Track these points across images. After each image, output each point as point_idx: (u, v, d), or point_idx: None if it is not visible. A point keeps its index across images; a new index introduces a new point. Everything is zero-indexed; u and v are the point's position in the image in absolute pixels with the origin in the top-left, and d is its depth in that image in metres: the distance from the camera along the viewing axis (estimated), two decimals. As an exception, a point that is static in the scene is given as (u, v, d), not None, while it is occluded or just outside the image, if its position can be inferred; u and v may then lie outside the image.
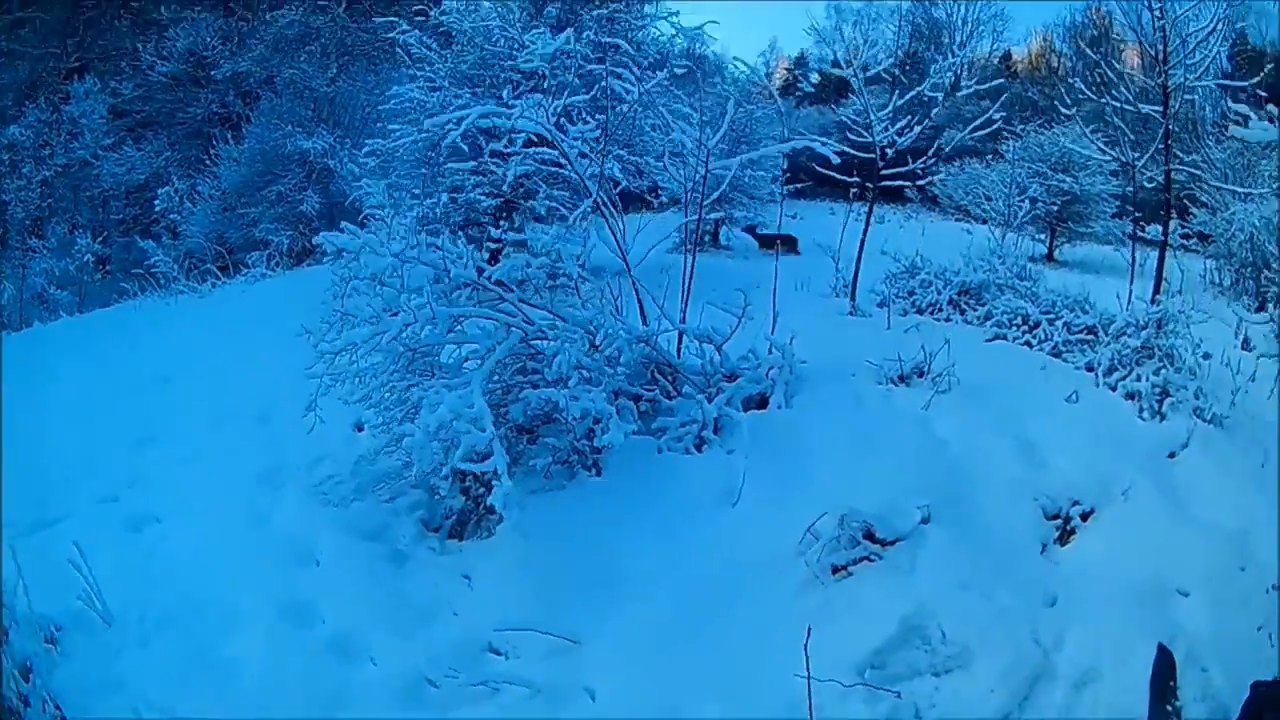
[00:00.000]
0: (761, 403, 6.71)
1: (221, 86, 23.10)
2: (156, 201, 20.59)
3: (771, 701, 4.19)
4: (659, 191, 13.19)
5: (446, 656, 4.88)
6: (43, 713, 4.72)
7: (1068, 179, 18.49)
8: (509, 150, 8.04)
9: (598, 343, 5.97)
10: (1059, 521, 5.49)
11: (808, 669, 3.83)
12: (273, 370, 8.00)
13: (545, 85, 9.98)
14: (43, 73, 25.57)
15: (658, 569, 5.23)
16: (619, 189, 8.22)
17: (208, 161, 20.96)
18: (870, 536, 5.12)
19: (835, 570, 5.00)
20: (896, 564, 5.03)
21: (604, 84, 7.83)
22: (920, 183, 14.33)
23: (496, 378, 5.96)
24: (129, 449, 7.91)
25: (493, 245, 9.57)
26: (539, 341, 5.92)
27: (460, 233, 8.81)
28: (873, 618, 4.61)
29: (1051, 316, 8.26)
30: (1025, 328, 8.35)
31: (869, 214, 10.79)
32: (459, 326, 5.83)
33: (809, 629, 3.93)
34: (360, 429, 6.96)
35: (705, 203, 7.59)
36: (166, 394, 9.32)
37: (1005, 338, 8.39)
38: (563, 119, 7.42)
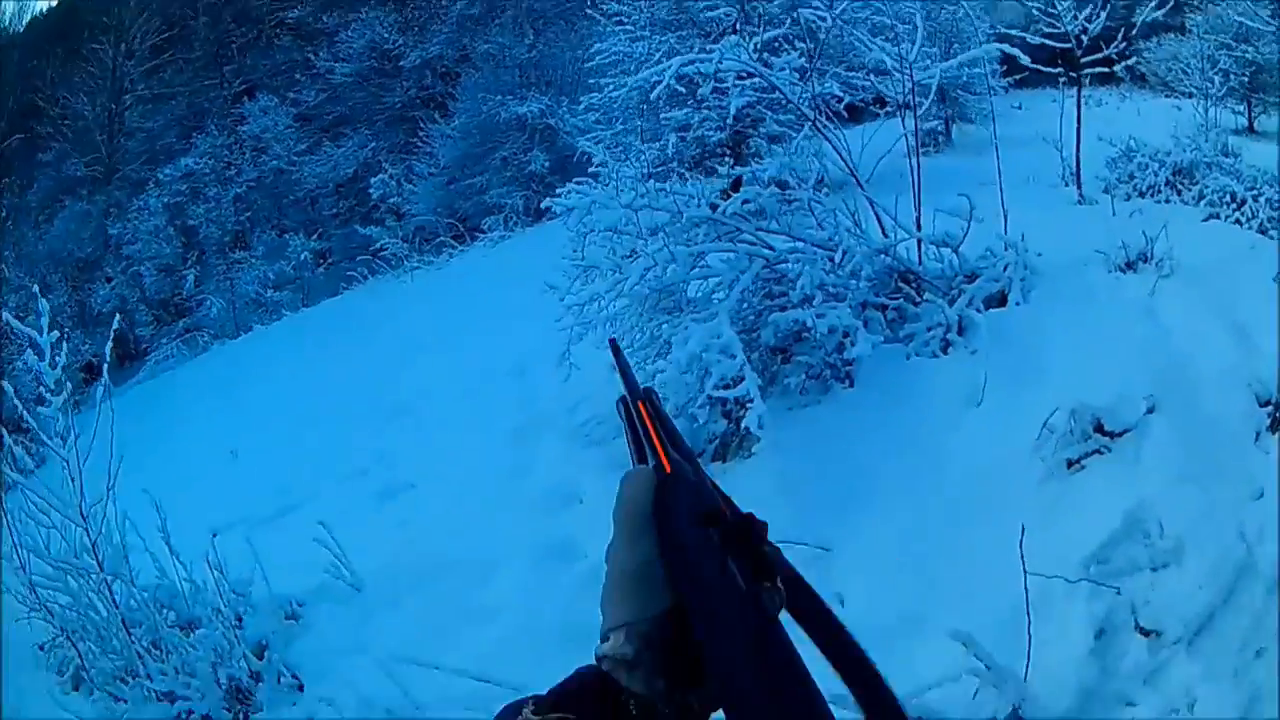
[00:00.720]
0: (1001, 300, 6.74)
1: (414, 73, 24.10)
2: (371, 190, 21.92)
3: (1002, 603, 4.11)
4: (884, 100, 13.29)
5: None
6: (277, 684, 5.18)
7: (1249, 49, 17.73)
8: (723, 86, 8.24)
9: (837, 260, 6.11)
10: (1270, 409, 5.22)
11: (1023, 567, 3.82)
12: (523, 326, 8.44)
13: (740, 26, 10.22)
14: (203, 104, 27.55)
15: (904, 475, 5.30)
16: (844, 104, 8.35)
17: (417, 143, 22.10)
18: (1100, 429, 5.07)
19: (1069, 465, 4.99)
20: (1123, 456, 4.96)
21: (795, 14, 8.01)
22: (1128, 63, 13.98)
23: (745, 305, 6.12)
24: (380, 423, 8.52)
25: (729, 177, 9.86)
26: (781, 266, 6.07)
27: (696, 169, 9.11)
28: (1099, 512, 4.56)
29: (1255, 193, 8.05)
30: (1234, 205, 8.18)
31: (1078, 101, 10.64)
32: (701, 263, 6.01)
33: (1022, 528, 3.92)
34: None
35: (920, 111, 7.62)
36: (416, 365, 9.89)
37: (1219, 216, 8.21)
38: (765, 53, 7.65)
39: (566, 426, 6.96)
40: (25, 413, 5.26)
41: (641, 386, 1.09)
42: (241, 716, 5.13)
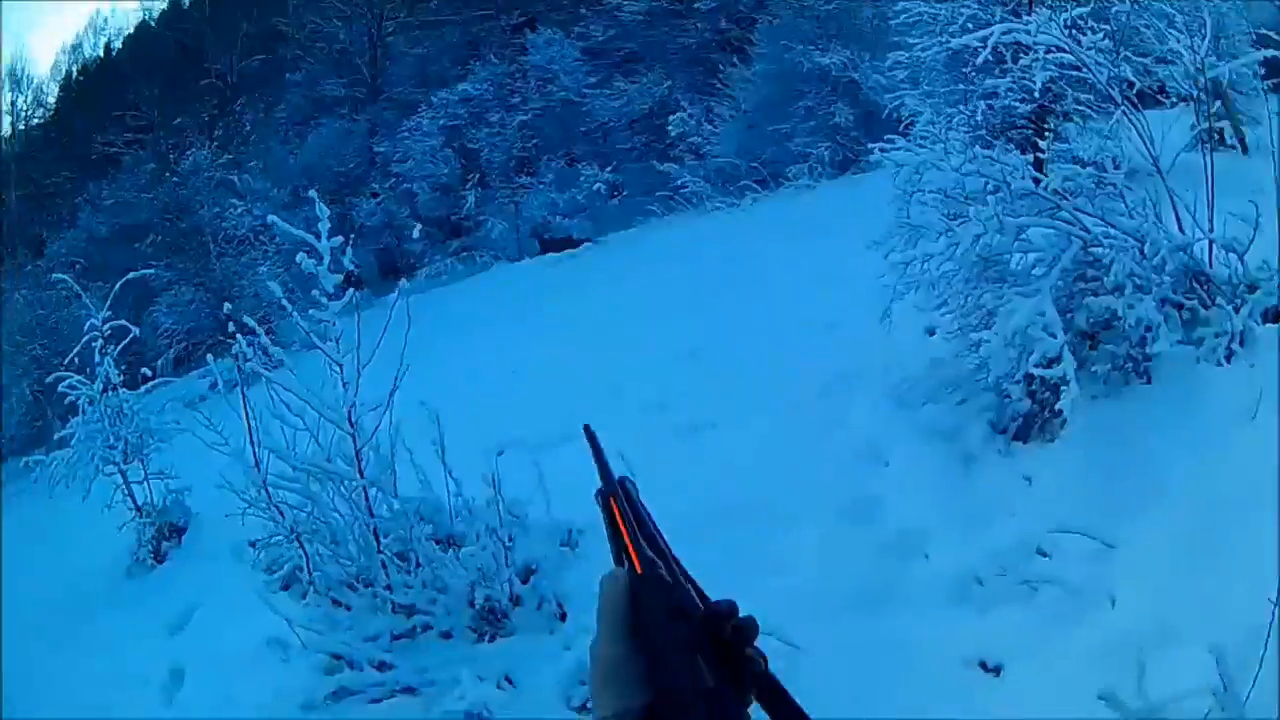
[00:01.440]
0: (1276, 315, 6.44)
1: (709, 16, 24.04)
2: (670, 127, 22.18)
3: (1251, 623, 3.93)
4: (1165, 90, 12.70)
5: (998, 555, 5.06)
6: (537, 610, 5.40)
7: None
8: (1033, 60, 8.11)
9: (1145, 250, 6.00)
10: None
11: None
12: (833, 278, 8.51)
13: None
14: (477, 34, 28.51)
15: (1188, 479, 5.19)
16: (1135, 90, 8.13)
17: (716, 85, 22.21)
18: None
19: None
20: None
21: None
22: None
23: (1061, 284, 6.05)
24: (672, 362, 8.67)
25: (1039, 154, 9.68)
26: (1095, 249, 5.99)
27: (1002, 137, 9.01)
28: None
29: None
30: None
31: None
32: (1023, 235, 5.98)
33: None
34: (932, 334, 7.05)
35: (1209, 108, 7.36)
36: (712, 308, 10.05)
37: None
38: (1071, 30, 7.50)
39: (879, 386, 6.97)
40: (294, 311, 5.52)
41: (618, 477, 1.10)
42: (488, 638, 5.36)
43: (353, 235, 5.52)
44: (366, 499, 5.41)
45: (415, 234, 21.27)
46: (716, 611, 0.90)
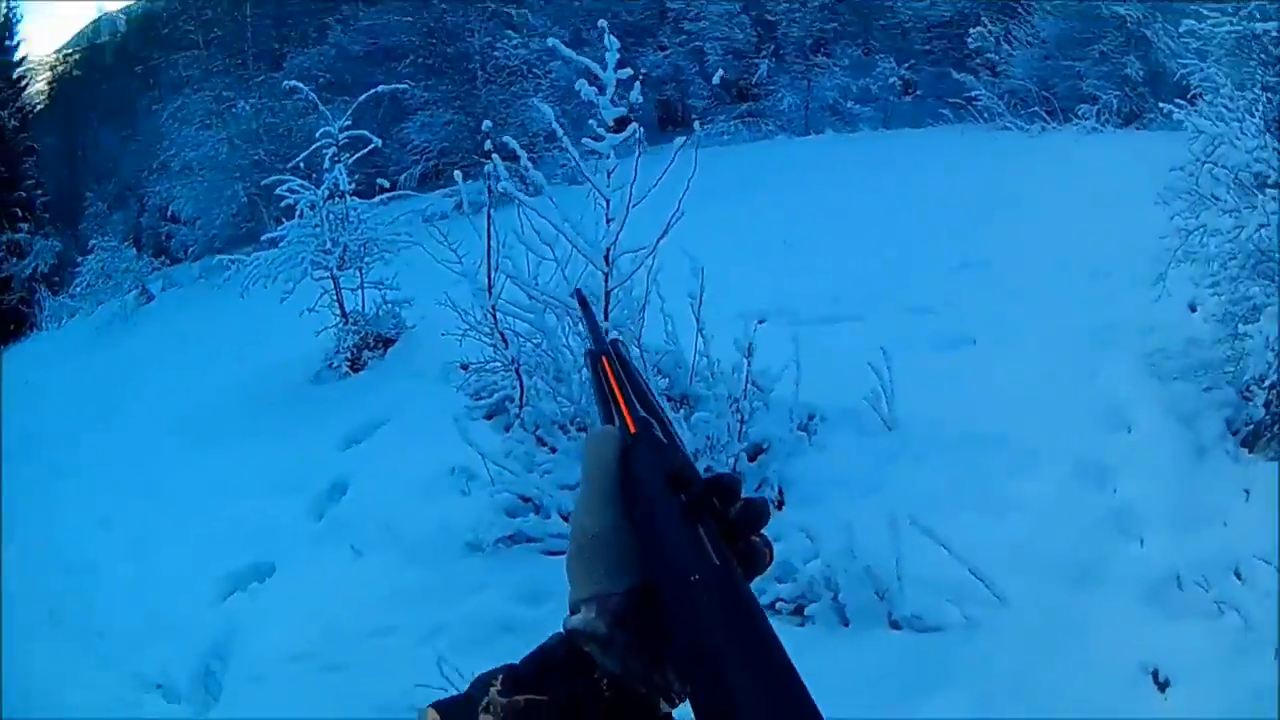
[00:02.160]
0: None
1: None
2: (969, 39, 22.05)
3: None
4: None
5: (1201, 564, 4.76)
6: (755, 491, 5.14)
7: None
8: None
9: None
10: None
11: None
12: (1112, 227, 8.22)
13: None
14: None
15: None
16: None
17: (1018, 9, 21.75)
18: None
19: None
20: None
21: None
22: None
23: None
24: (946, 270, 8.51)
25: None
26: None
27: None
28: None
29: None
30: None
31: None
32: None
33: None
34: (1193, 309, 6.85)
35: None
36: (992, 224, 9.79)
37: None
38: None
39: (1136, 349, 6.69)
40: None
41: (609, 339, 1.04)
42: None
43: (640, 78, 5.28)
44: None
45: (715, 79, 21.29)
46: (721, 482, 0.80)
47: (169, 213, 25.35)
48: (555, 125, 5.27)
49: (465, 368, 7.16)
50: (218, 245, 20.77)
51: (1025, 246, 8.84)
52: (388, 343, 9.75)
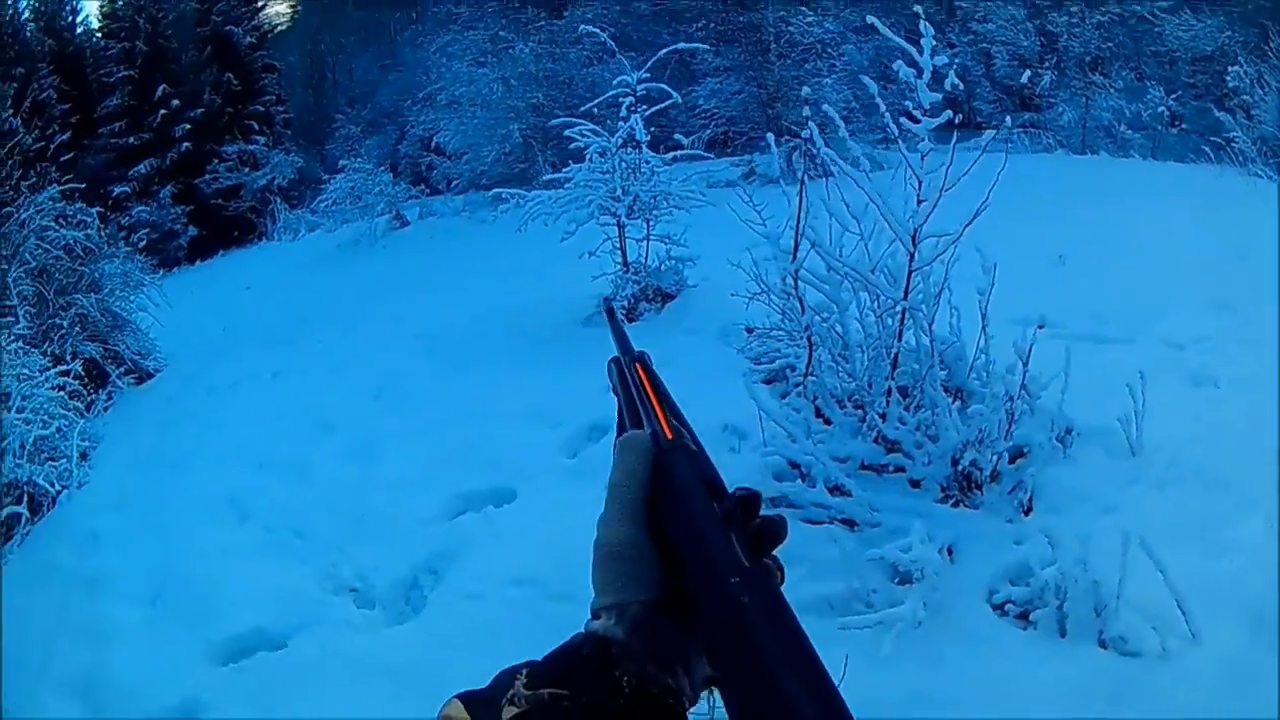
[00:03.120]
0: None
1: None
2: (1228, 77, 21.12)
3: None
4: None
5: None
6: (1009, 495, 5.35)
7: None
8: None
9: None
10: None
11: None
12: None
13: None
14: None
15: None
16: None
17: (1269, 52, 20.83)
18: None
19: None
20: None
21: None
22: None
23: None
24: (1202, 309, 8.44)
25: None
26: None
27: None
28: None
29: None
30: None
31: None
32: None
33: None
34: None
35: None
36: (1239, 270, 9.56)
37: None
38: None
39: None
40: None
41: (636, 350, 1.13)
42: (951, 502, 5.41)
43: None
44: (901, 322, 5.46)
45: (1039, 75, 21.17)
46: (748, 497, 0.84)
47: (432, 144, 26.30)
48: (878, 100, 5.35)
49: (750, 330, 7.44)
50: (484, 181, 21.54)
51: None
52: (666, 297, 10.00)
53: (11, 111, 12.99)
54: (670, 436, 0.94)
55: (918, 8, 5.69)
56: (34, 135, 14.43)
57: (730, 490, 0.86)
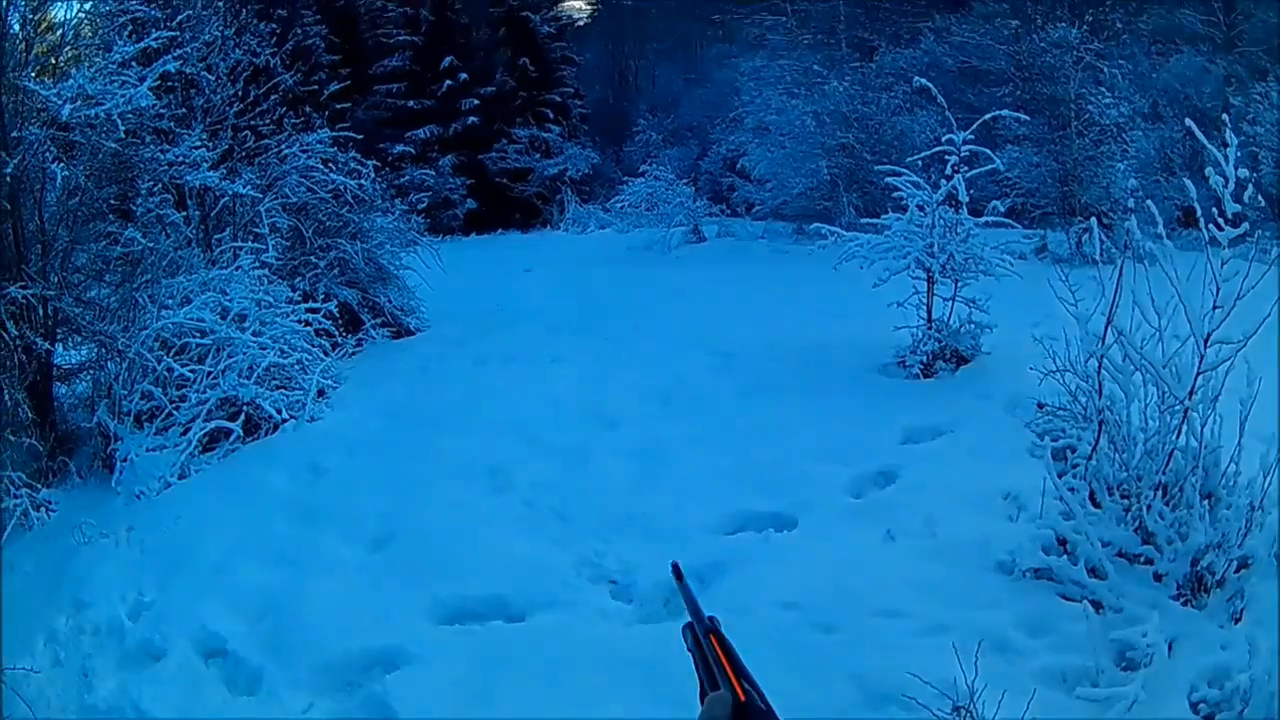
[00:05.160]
0: None
1: None
2: None
3: None
4: None
5: None
6: (1226, 600, 5.49)
7: None
8: None
9: None
10: None
11: None
12: None
13: None
14: None
15: None
16: None
17: None
18: None
19: None
20: None
21: None
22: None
23: None
24: None
25: None
26: None
27: None
28: None
29: None
30: None
31: None
32: None
33: None
34: None
35: None
36: None
37: None
38: None
39: None
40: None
41: (707, 616, 1.34)
42: (1182, 600, 5.55)
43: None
44: (1183, 420, 5.70)
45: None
46: None
47: (737, 165, 26.93)
48: (1192, 200, 5.73)
49: (1041, 406, 7.81)
50: (786, 212, 22.16)
51: None
52: (960, 360, 10.25)
53: (272, 51, 13.72)
54: (744, 699, 1.16)
55: (1225, 116, 6.10)
56: (296, 79, 15.24)
57: None
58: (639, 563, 6.62)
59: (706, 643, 1.28)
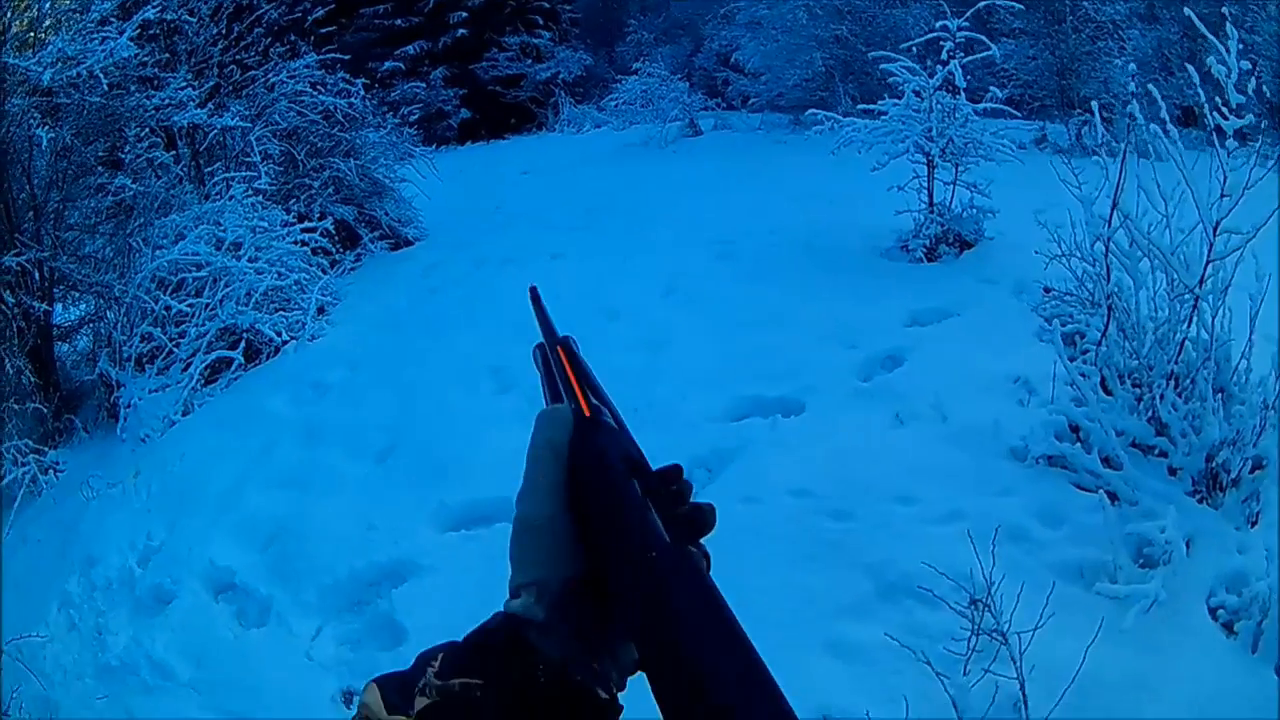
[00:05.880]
0: None
1: None
2: None
3: None
4: None
5: None
6: (1243, 501, 5.42)
7: None
8: None
9: None
10: None
11: None
12: None
13: None
14: None
15: None
16: None
17: None
18: None
19: None
20: None
21: None
22: None
23: None
24: None
25: None
26: None
27: None
28: None
29: None
30: None
31: None
32: None
33: None
34: None
35: None
36: None
37: None
38: None
39: None
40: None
41: (561, 335, 1.16)
42: (1198, 497, 5.47)
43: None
44: (1193, 309, 5.59)
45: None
46: (671, 475, 0.88)
47: (730, 60, 26.66)
48: (1199, 90, 5.59)
49: (1048, 290, 7.70)
50: (782, 103, 21.89)
51: None
52: (964, 245, 10.08)
53: (248, -16, 13.63)
54: (589, 414, 0.98)
55: (1226, 10, 5.82)
56: (280, 10, 15.03)
57: (656, 469, 0.91)
58: (648, 453, 6.45)
59: (554, 356, 1.14)
